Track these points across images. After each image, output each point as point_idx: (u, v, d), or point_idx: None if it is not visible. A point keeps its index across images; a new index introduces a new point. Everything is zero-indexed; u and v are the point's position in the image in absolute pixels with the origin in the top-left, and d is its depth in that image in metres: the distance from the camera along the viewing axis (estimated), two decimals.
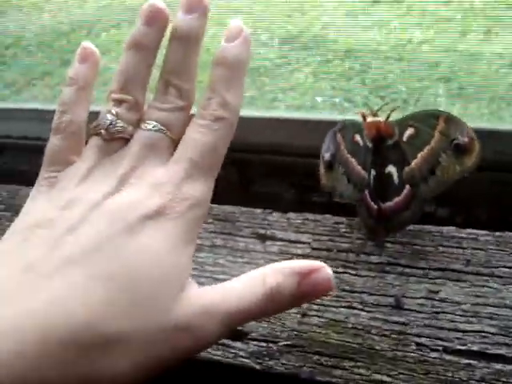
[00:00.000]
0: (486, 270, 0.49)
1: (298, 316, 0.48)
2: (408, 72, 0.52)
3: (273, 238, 0.55)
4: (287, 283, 0.33)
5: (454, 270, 0.50)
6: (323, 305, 0.48)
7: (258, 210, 0.58)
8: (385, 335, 0.45)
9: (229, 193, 0.63)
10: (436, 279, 0.49)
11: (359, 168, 0.51)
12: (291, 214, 0.57)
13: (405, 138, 0.50)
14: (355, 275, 0.50)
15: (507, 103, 0.53)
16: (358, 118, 0.52)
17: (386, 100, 0.52)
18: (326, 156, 0.52)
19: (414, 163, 0.50)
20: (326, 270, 0.34)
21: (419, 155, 0.50)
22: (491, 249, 0.51)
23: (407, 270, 0.50)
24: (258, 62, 0.58)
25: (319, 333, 0.46)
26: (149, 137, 0.36)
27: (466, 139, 0.48)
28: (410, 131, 0.50)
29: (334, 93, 0.58)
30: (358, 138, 0.52)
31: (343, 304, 0.48)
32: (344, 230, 0.54)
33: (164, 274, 0.32)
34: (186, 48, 0.37)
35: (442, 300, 0.48)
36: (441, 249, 0.51)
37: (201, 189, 0.34)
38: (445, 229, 0.53)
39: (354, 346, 0.45)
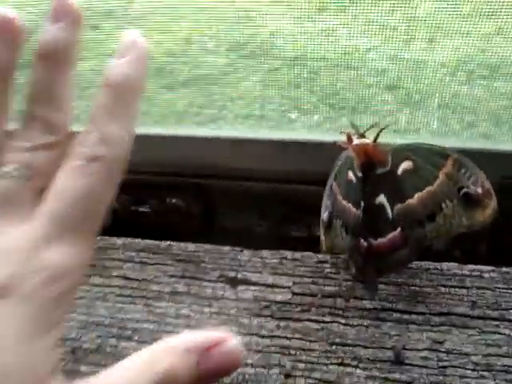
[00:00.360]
0: (495, 312, 0.43)
1: (282, 377, 0.40)
2: (356, 79, 0.50)
3: (245, 282, 0.46)
4: (183, 365, 0.25)
5: (458, 315, 0.43)
6: (310, 362, 0.41)
7: (226, 248, 0.49)
8: None
9: (189, 228, 0.54)
10: (440, 326, 0.42)
11: (355, 210, 0.44)
12: (265, 253, 0.48)
13: (400, 171, 0.43)
14: (345, 325, 0.43)
15: (452, 110, 0.52)
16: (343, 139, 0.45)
17: (373, 123, 0.46)
18: (324, 217, 0.45)
19: (408, 202, 0.43)
20: (230, 343, 0.26)
21: (416, 195, 0.43)
22: (498, 287, 0.44)
23: (405, 317, 0.43)
24: (205, 70, 0.56)
25: None
26: (5, 186, 0.27)
27: (479, 190, 0.41)
28: (406, 164, 0.43)
29: (282, 101, 0.56)
30: (350, 174, 0.45)
31: (334, 360, 0.41)
32: (329, 270, 0.46)
33: (8, 373, 0.23)
34: (54, 68, 0.28)
35: (449, 351, 0.41)
36: (442, 289, 0.44)
37: (69, 253, 0.26)
38: (444, 265, 0.46)
39: None
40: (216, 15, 0.50)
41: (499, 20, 0.44)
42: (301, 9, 0.46)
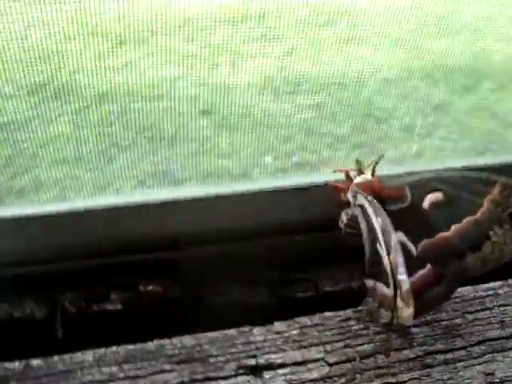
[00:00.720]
0: None
1: None
2: (169, 109, 0.49)
3: (271, 367, 0.39)
4: None
5: (493, 339, 0.42)
6: None
7: (231, 332, 0.41)
8: None
9: (176, 316, 0.44)
10: (482, 356, 0.40)
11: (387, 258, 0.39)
12: (279, 325, 0.41)
13: (427, 205, 0.40)
14: (397, 383, 0.38)
15: (267, 127, 0.53)
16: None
17: (374, 157, 0.43)
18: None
19: (440, 236, 0.40)
20: None
21: (453, 227, 0.40)
22: None
23: (450, 356, 0.40)
24: (7, 117, 0.50)
25: None
26: None
27: None
28: (435, 196, 0.40)
29: (98, 140, 0.53)
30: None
31: None
32: (356, 327, 0.41)
33: None
34: None
35: (503, 380, 0.39)
36: (469, 317, 0.43)
37: None
38: (460, 291, 0.44)
39: None
40: (7, 57, 0.45)
41: (288, 41, 0.46)
42: (99, 44, 0.44)
